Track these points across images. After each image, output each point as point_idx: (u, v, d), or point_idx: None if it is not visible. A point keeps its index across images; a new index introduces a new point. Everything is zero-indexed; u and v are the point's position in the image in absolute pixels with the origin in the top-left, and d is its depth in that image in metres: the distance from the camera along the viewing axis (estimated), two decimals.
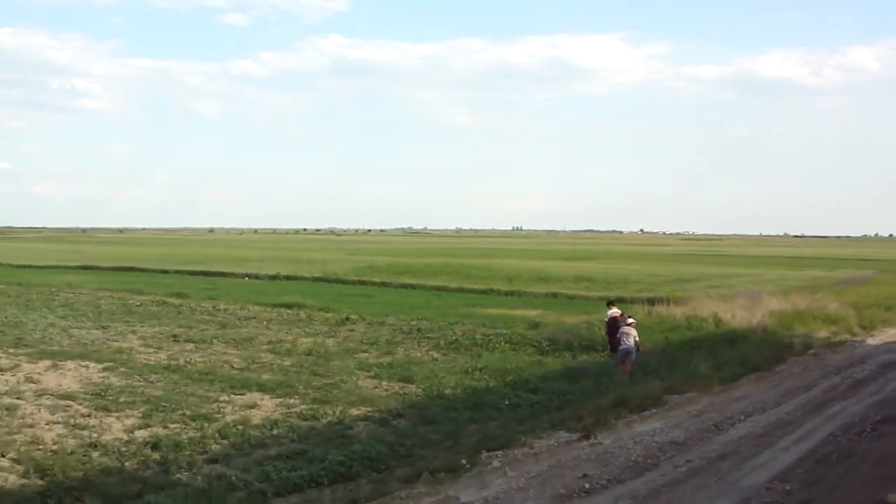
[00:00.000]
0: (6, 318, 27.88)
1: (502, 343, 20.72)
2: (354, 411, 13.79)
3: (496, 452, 11.38)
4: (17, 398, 15.22)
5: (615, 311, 19.81)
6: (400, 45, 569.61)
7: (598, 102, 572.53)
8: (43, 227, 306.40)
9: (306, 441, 11.94)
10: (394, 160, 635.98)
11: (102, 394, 15.45)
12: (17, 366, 18.67)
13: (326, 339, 22.41)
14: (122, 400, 14.92)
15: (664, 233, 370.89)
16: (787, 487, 9.04)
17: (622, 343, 17.08)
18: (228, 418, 13.34)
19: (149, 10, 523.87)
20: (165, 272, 54.25)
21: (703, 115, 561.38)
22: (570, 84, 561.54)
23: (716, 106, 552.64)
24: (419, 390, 15.37)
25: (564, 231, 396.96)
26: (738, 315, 24.05)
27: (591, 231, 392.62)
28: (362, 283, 43.30)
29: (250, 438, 12.12)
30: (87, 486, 10.06)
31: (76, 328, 25.31)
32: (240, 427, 12.71)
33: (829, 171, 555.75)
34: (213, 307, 31.29)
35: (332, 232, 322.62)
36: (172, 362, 18.82)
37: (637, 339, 17.16)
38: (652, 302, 28.15)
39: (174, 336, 23.27)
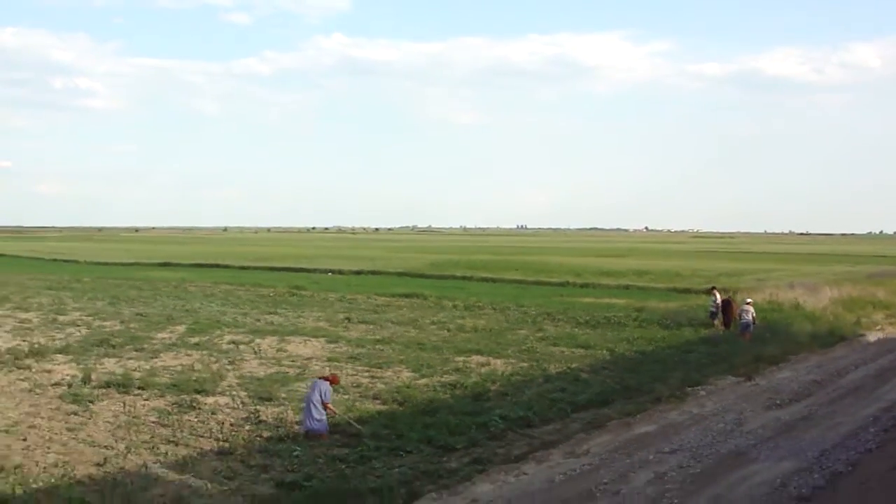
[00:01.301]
0: (175, 306, 32.72)
1: (630, 321, 25.73)
2: (572, 365, 18.69)
3: (696, 388, 16.31)
4: (293, 362, 20.00)
5: (718, 295, 24.97)
6: (402, 43, 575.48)
7: (600, 100, 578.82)
8: (57, 227, 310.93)
9: (556, 382, 16.82)
10: (396, 158, 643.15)
11: (358, 358, 20.25)
12: (252, 340, 23.47)
13: (477, 320, 27.30)
14: (375, 362, 19.71)
15: (669, 230, 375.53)
16: None
17: (742, 318, 22.06)
18: (482, 370, 18.20)
19: (152, 10, 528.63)
20: (246, 268, 59.24)
21: (706, 112, 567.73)
22: (573, 82, 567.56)
23: (719, 103, 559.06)
24: (603, 352, 20.32)
25: (569, 229, 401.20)
26: (808, 300, 28.95)
27: (596, 229, 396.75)
28: (443, 277, 48.20)
29: (515, 382, 16.98)
30: (440, 407, 14.78)
31: (250, 313, 30.10)
32: (498, 374, 17.59)
33: (833, 169, 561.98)
34: (341, 297, 36.18)
35: (340, 230, 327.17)
36: (378, 336, 23.70)
37: (754, 314, 22.15)
38: (734, 291, 33.03)
39: (347, 318, 28.17)
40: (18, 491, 10.44)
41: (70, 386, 17.00)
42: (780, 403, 14.73)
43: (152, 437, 13.16)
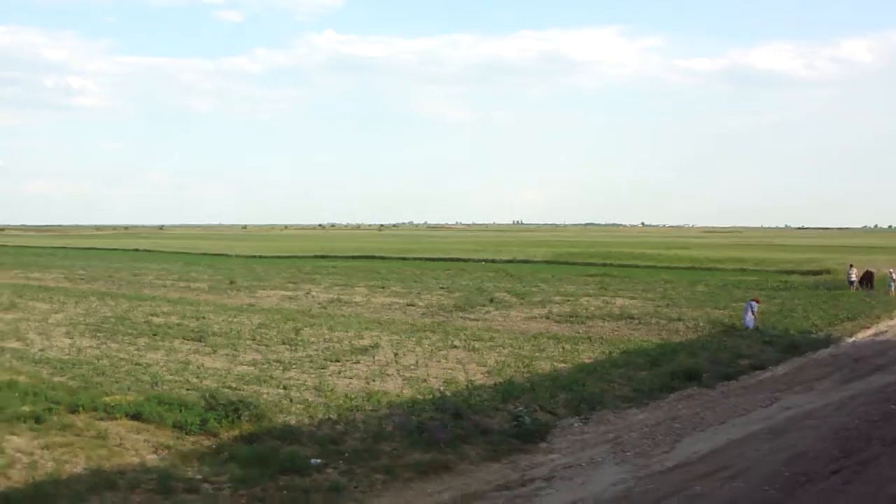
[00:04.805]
0: (452, 282, 46.27)
1: (801, 287, 40.03)
2: (806, 307, 32.82)
3: (891, 315, 30.46)
4: (642, 305, 33.80)
5: (856, 268, 39.43)
6: (393, 40, 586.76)
7: (593, 96, 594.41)
8: (62, 225, 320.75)
9: (813, 311, 30.83)
10: (390, 155, 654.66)
11: (672, 305, 34.10)
12: (577, 298, 37.17)
13: (691, 289, 41.35)
14: (691, 306, 33.53)
15: (665, 225, 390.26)
16: None
17: (890, 282, 36.34)
18: (760, 307, 32.22)
19: (143, 8, 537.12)
20: (406, 259, 72.80)
21: (698, 107, 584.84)
22: (565, 78, 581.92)
23: (711, 98, 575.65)
24: (814, 300, 34.42)
25: (565, 225, 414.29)
26: None
27: (592, 224, 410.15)
28: (586, 264, 62.15)
29: (786, 311, 30.97)
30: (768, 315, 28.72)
31: (519, 285, 43.71)
32: (772, 311, 31.61)
33: (826, 163, 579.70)
34: (552, 275, 50.14)
35: (357, 227, 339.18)
36: (657, 295, 37.67)
37: None
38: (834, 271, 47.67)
39: (602, 287, 42.14)
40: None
41: (560, 318, 30.66)
42: None
43: (668, 333, 26.97)
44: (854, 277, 39.51)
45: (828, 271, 50.18)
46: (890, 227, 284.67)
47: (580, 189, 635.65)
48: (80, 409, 15.50)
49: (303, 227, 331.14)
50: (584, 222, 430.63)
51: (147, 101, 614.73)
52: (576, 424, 14.65)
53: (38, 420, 14.78)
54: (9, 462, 12.27)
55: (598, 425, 14.67)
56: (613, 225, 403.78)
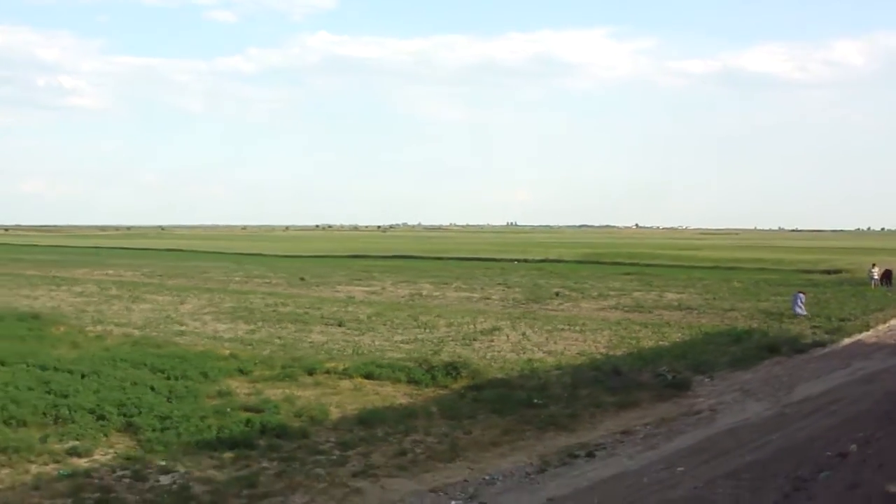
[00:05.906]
0: (503, 279, 51.12)
1: (826, 284, 45.11)
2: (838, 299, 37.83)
3: None
4: (692, 298, 38.71)
5: (877, 267, 44.54)
6: (386, 41, 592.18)
7: (585, 98, 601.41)
8: (59, 226, 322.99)
9: (846, 302, 35.84)
10: (384, 155, 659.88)
11: (719, 299, 39.06)
12: (629, 293, 42.10)
13: (726, 285, 46.32)
14: (736, 298, 38.50)
15: (659, 227, 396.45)
16: None
17: None
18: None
19: (136, 8, 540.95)
20: (441, 259, 77.61)
21: (691, 109, 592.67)
22: (557, 80, 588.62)
23: (703, 100, 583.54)
24: (844, 296, 39.46)
25: (559, 227, 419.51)
26: None
27: (586, 226, 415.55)
28: (615, 263, 67.12)
29: (822, 302, 35.93)
30: (811, 305, 33.67)
31: (568, 282, 48.61)
32: (812, 300, 36.56)
33: (819, 165, 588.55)
34: (590, 274, 55.05)
35: (356, 228, 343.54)
36: (697, 290, 42.63)
37: None
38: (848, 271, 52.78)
39: (648, 284, 47.03)
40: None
41: (629, 308, 35.52)
42: None
43: (729, 320, 31.85)
44: (876, 275, 44.55)
45: (845, 270, 55.32)
46: (883, 229, 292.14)
47: (573, 190, 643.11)
48: (316, 371, 20.15)
49: (303, 228, 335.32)
50: (577, 224, 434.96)
51: (141, 101, 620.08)
52: (705, 380, 19.45)
53: (294, 379, 19.42)
54: (328, 401, 16.91)
55: (721, 381, 19.48)
56: (607, 226, 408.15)
